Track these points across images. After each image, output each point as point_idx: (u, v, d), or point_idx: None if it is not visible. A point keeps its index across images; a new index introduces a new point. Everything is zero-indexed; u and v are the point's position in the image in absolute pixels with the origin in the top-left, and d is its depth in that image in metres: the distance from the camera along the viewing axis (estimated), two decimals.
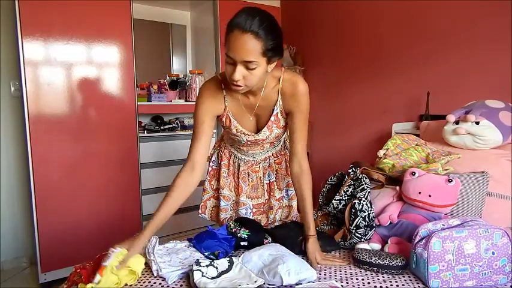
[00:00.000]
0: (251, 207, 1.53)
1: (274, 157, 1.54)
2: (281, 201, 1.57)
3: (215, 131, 2.77)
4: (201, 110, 1.27)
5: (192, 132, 1.31)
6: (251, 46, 1.01)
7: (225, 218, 1.54)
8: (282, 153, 1.55)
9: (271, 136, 1.37)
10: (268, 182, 1.54)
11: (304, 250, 1.27)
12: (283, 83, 1.25)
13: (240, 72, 1.06)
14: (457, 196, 1.34)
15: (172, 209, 1.21)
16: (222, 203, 1.52)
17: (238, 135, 1.36)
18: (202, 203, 1.59)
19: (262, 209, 1.55)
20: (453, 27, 2.16)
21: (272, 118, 1.31)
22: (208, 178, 1.57)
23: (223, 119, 1.32)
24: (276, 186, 1.55)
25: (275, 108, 1.30)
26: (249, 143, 1.39)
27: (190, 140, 1.32)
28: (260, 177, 1.53)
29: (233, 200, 1.54)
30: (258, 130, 1.37)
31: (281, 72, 1.25)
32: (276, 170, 1.54)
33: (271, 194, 1.55)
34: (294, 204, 1.59)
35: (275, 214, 1.56)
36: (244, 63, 1.04)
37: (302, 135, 1.30)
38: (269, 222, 1.56)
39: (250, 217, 1.52)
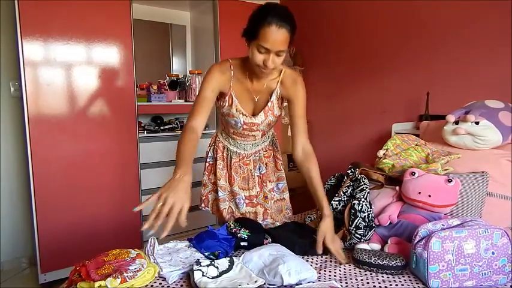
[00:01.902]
0: (243, 197, 1.59)
1: (264, 151, 1.62)
2: (272, 192, 1.63)
3: (213, 131, 2.77)
4: (209, 82, 1.36)
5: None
6: (285, 38, 1.21)
7: (224, 209, 1.59)
8: (270, 148, 1.65)
9: (265, 122, 1.47)
10: (259, 174, 1.61)
11: (302, 251, 1.27)
12: (284, 75, 1.43)
13: (273, 60, 1.23)
14: (457, 196, 1.34)
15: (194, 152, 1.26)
16: (219, 193, 1.58)
17: (236, 116, 1.44)
18: (204, 197, 1.65)
19: (254, 201, 1.60)
20: (453, 27, 2.16)
21: (269, 104, 1.44)
22: (207, 173, 1.64)
23: (226, 98, 1.41)
24: (267, 178, 1.62)
25: (273, 94, 1.44)
26: (244, 126, 1.46)
27: None
28: (251, 170, 1.60)
29: (228, 191, 1.60)
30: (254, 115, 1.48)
31: (283, 67, 1.42)
32: (266, 163, 1.62)
33: (264, 185, 1.61)
34: (286, 196, 1.67)
35: (271, 203, 1.62)
36: (277, 52, 1.22)
37: (302, 120, 1.45)
38: (267, 211, 1.61)
39: (244, 207, 1.58)
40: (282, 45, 1.21)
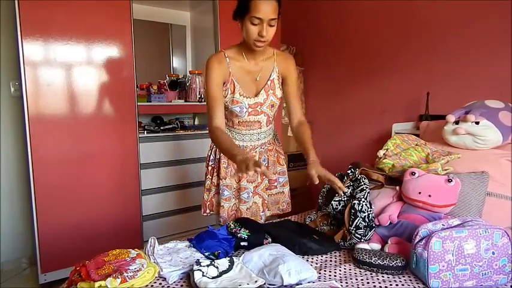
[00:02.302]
0: (252, 190, 1.59)
1: (268, 144, 1.64)
2: (275, 183, 1.67)
3: None
4: (211, 77, 1.42)
5: (207, 106, 1.47)
6: (275, 6, 1.31)
7: (229, 207, 1.59)
8: (273, 142, 1.67)
9: (268, 102, 1.51)
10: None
11: (303, 250, 1.27)
12: (277, 54, 1.53)
13: (266, 30, 1.32)
14: (457, 196, 1.34)
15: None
16: (225, 193, 1.57)
17: (241, 101, 1.47)
18: (208, 203, 1.63)
19: (255, 191, 1.61)
20: (453, 27, 2.16)
21: (269, 82, 1.50)
22: (210, 177, 1.62)
23: (228, 85, 1.46)
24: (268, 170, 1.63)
25: (272, 73, 1.51)
26: (250, 110, 1.49)
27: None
28: None
29: (234, 188, 1.60)
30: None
31: (273, 49, 1.54)
32: (268, 157, 1.63)
33: (264, 176, 1.62)
34: (286, 190, 1.71)
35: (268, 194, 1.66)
36: (269, 21, 1.31)
37: (296, 97, 1.58)
38: (265, 201, 1.62)
39: (250, 199, 1.58)
40: (273, 13, 1.30)
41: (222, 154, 1.58)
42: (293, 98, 1.56)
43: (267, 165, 1.63)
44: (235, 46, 1.49)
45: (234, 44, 1.50)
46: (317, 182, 1.33)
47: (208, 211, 1.64)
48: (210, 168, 1.63)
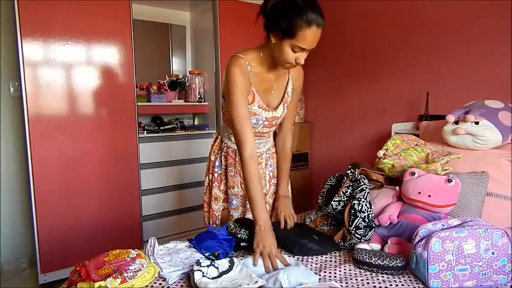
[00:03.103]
0: None
1: (272, 147, 1.60)
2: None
3: (213, 131, 2.77)
4: (237, 92, 1.28)
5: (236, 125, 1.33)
6: (320, 34, 1.21)
7: (237, 216, 1.54)
8: (274, 145, 1.63)
9: (283, 114, 1.46)
10: (269, 171, 1.58)
11: (303, 251, 1.27)
12: None
13: (304, 57, 1.25)
14: (457, 196, 1.34)
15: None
16: (234, 202, 1.52)
17: (258, 113, 1.37)
18: (217, 213, 1.55)
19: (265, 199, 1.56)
20: (453, 27, 2.16)
21: (285, 96, 1.44)
22: (217, 184, 1.53)
23: (249, 96, 1.34)
24: (274, 175, 1.61)
25: (288, 86, 1.45)
26: (266, 123, 1.41)
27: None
28: (263, 168, 1.55)
29: (241, 196, 1.53)
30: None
31: None
32: (273, 161, 1.60)
33: (274, 181, 1.61)
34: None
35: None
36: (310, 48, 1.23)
37: (293, 112, 1.53)
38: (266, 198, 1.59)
39: None
40: (317, 41, 1.22)
41: (229, 162, 1.49)
42: (291, 108, 1.49)
43: (273, 170, 1.59)
44: (255, 51, 1.33)
45: (250, 47, 1.35)
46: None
47: (217, 222, 1.54)
48: (216, 175, 1.52)
